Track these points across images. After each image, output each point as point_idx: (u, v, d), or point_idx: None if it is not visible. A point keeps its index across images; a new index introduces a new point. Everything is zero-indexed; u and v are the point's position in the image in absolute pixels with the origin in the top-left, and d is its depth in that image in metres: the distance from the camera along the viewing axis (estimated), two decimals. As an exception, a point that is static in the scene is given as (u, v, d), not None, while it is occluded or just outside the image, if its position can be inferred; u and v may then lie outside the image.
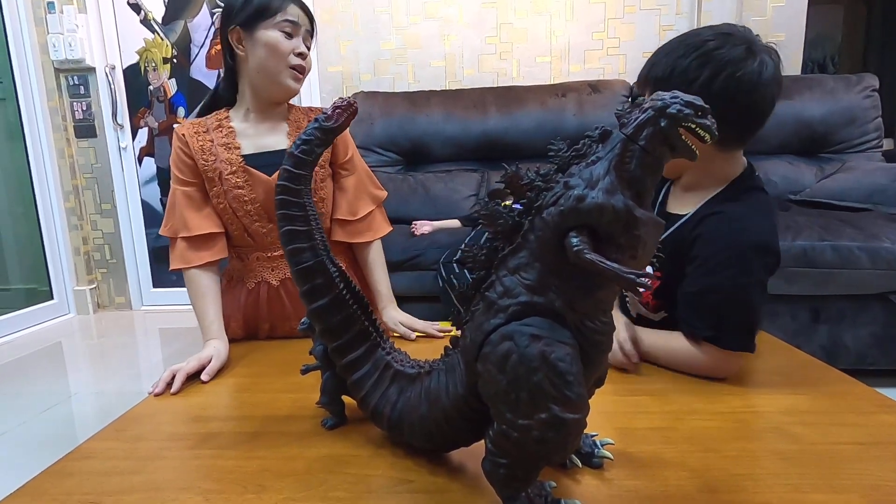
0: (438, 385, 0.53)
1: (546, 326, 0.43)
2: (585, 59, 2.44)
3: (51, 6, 2.57)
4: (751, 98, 0.70)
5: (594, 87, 2.21)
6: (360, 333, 0.62)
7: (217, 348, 0.83)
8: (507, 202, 1.79)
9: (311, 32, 0.93)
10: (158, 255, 2.84)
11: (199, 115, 0.99)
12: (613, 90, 2.21)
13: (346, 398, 0.66)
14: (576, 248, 0.41)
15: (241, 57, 0.91)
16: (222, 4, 0.94)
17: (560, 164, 0.47)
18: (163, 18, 2.63)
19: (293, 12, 0.89)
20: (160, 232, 0.96)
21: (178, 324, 2.60)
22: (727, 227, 0.73)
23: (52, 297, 2.72)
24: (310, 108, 1.02)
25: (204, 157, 0.92)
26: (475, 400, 0.49)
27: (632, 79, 2.34)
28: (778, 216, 1.37)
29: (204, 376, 0.79)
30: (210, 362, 0.80)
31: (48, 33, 2.58)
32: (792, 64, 2.31)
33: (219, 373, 0.82)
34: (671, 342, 0.76)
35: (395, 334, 0.95)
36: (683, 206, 0.81)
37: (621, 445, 0.57)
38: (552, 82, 2.43)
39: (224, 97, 0.98)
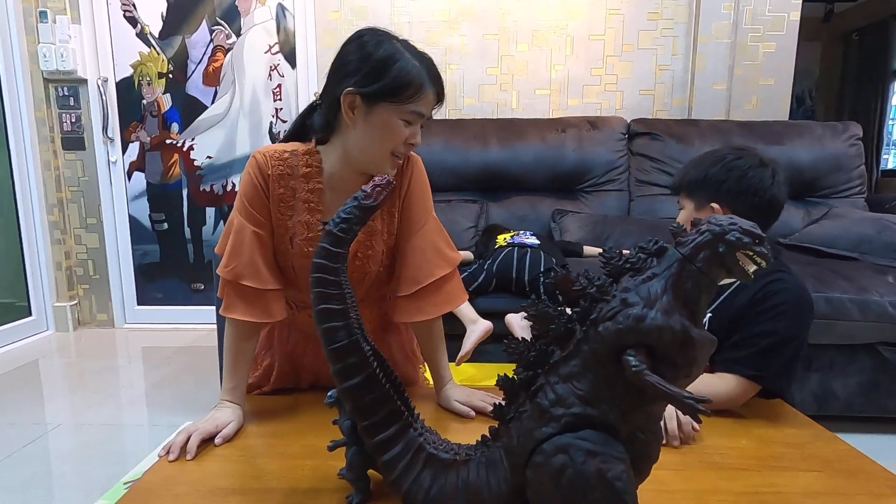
0: (478, 479, 0.53)
1: (601, 441, 0.44)
2: (584, 94, 2.49)
3: (43, 15, 2.51)
4: (767, 195, 0.87)
5: (593, 123, 2.25)
6: (392, 413, 0.61)
7: (237, 414, 0.81)
8: (505, 234, 1.79)
9: (431, 117, 0.80)
10: (144, 271, 2.77)
11: (288, 138, 0.86)
12: (611, 127, 2.25)
13: (371, 472, 0.65)
14: (635, 369, 0.42)
15: (346, 122, 0.78)
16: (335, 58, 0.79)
17: (612, 272, 0.47)
18: (160, 33, 2.59)
19: (427, 103, 0.76)
20: (218, 271, 0.82)
21: (162, 343, 2.53)
22: (790, 286, 0.86)
23: (30, 314, 2.62)
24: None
25: (280, 207, 0.81)
26: (520, 502, 0.49)
27: (629, 115, 2.40)
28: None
29: (218, 440, 0.77)
30: (226, 427, 0.77)
31: (39, 42, 2.52)
32: (780, 108, 2.40)
33: (231, 433, 0.80)
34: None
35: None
36: None
37: (651, 533, 0.57)
38: (551, 115, 2.47)
39: (312, 132, 0.84)
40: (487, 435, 0.55)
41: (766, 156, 0.90)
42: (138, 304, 2.77)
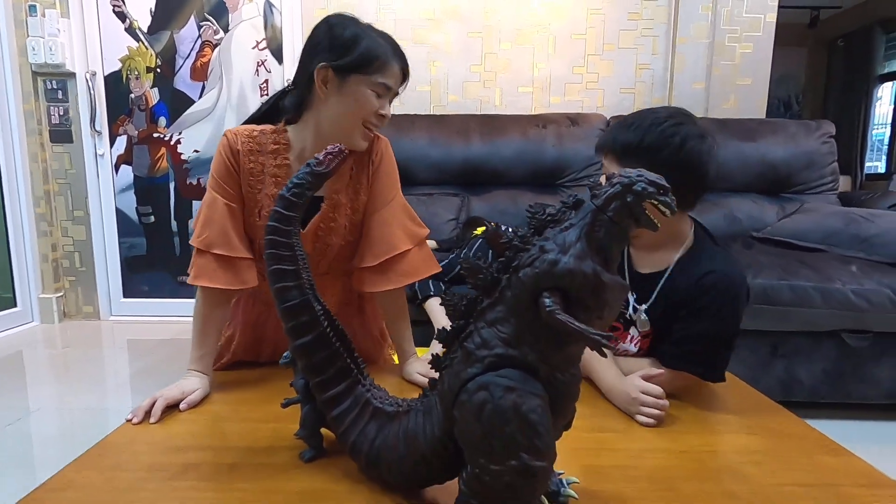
0: (416, 426, 0.56)
1: (519, 378, 0.47)
2: (565, 92, 2.53)
3: (32, 9, 2.54)
4: (700, 171, 0.80)
5: (573, 119, 2.29)
6: (341, 370, 0.64)
7: (204, 383, 0.83)
8: (482, 228, 1.84)
9: (398, 92, 0.86)
10: (131, 264, 2.78)
11: (254, 119, 0.90)
12: (591, 123, 2.30)
13: (324, 430, 0.68)
14: (548, 309, 0.45)
15: (319, 97, 0.83)
16: (313, 35, 0.84)
17: (537, 226, 0.51)
18: (148, 28, 2.62)
19: (393, 76, 0.83)
20: (191, 241, 0.87)
21: (148, 335, 2.54)
22: (721, 283, 0.83)
23: (15, 305, 2.63)
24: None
25: (250, 181, 0.86)
26: (451, 443, 0.52)
27: (609, 113, 2.45)
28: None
29: (183, 405, 0.79)
30: (192, 394, 0.80)
31: (28, 36, 2.54)
32: (758, 108, 2.45)
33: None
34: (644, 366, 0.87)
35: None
36: (653, 264, 0.90)
37: (586, 483, 0.61)
38: (533, 112, 2.51)
39: (283, 114, 0.89)
40: (428, 387, 0.58)
41: (703, 125, 0.81)
42: (124, 296, 2.78)
